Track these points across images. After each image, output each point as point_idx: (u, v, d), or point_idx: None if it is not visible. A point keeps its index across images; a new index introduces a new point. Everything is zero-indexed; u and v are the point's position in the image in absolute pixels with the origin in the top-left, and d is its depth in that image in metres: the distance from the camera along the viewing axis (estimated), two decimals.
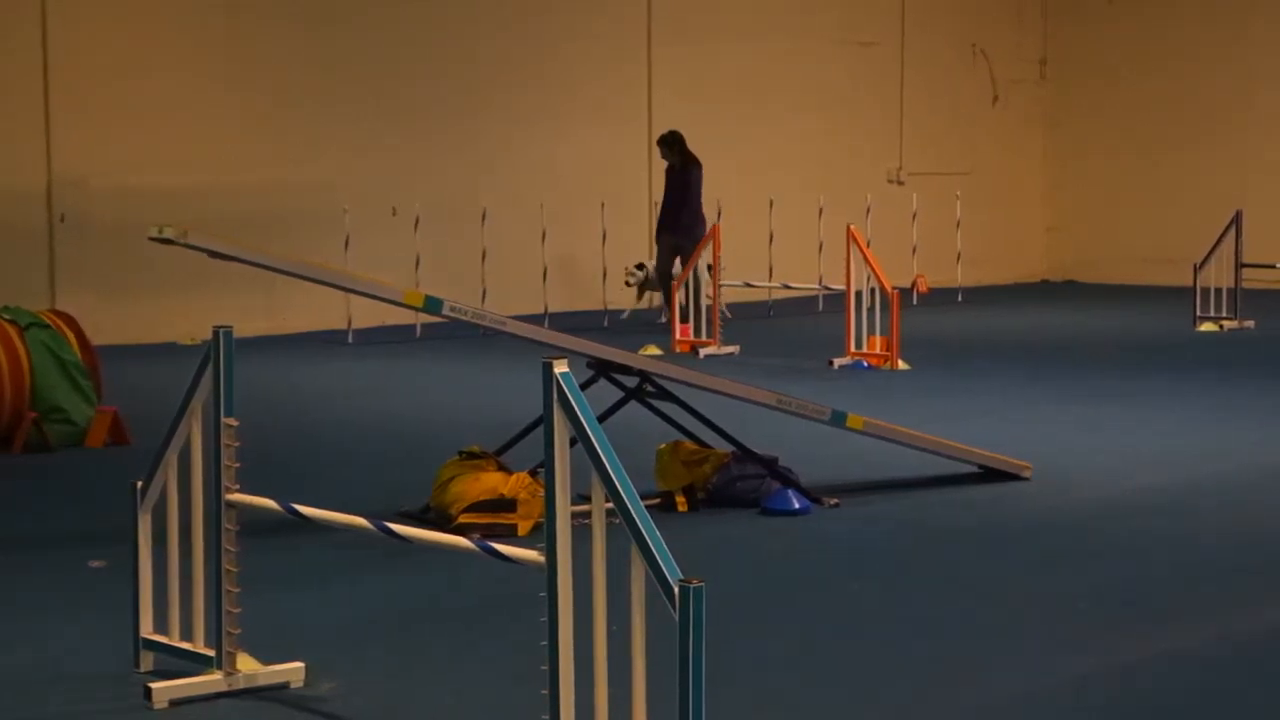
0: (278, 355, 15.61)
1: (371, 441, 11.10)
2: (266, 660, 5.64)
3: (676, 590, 4.02)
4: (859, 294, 14.96)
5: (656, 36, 21.33)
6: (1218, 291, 18.36)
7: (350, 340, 17.11)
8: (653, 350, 15.12)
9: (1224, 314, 18.28)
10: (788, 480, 8.64)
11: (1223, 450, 10.44)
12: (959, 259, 22.33)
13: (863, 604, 6.87)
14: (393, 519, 6.75)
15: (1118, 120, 25.18)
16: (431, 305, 8.01)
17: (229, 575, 5.50)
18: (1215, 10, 24.33)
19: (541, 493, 6.95)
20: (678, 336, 16.32)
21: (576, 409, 4.35)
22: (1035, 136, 25.88)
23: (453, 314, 8.11)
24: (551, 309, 18.43)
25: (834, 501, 8.66)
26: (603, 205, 19.32)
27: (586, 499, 4.41)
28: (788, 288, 19.27)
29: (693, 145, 21.01)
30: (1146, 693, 5.67)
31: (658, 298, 18.65)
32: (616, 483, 4.24)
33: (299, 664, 5.66)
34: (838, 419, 8.87)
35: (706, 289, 16.64)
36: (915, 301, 20.45)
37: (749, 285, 18.85)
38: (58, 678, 5.79)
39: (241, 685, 5.55)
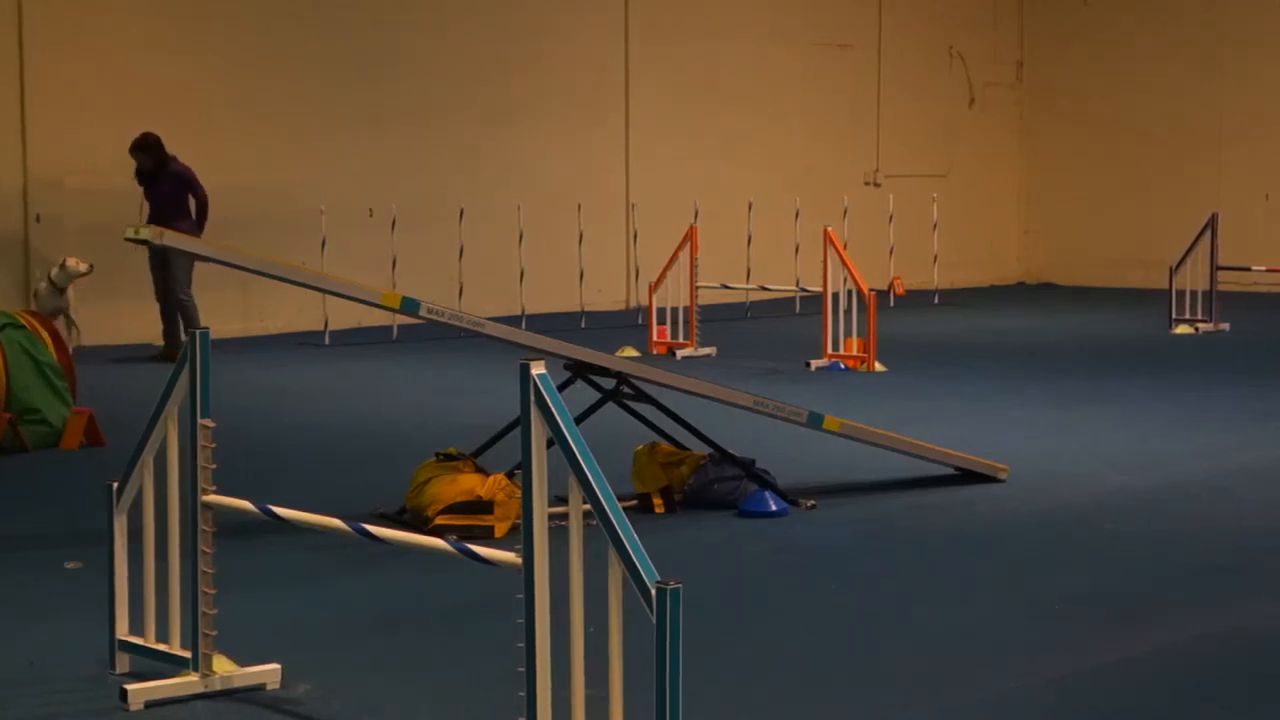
0: (254, 356, 15.58)
1: (348, 443, 11.08)
2: (243, 662, 5.63)
3: (654, 592, 4.02)
4: (836, 296, 14.99)
5: (634, 37, 21.35)
6: (1193, 294, 18.42)
7: (327, 341, 17.09)
8: (630, 352, 15.13)
9: (1199, 316, 18.33)
10: (765, 482, 8.64)
11: (1198, 452, 10.47)
12: (936, 261, 22.38)
13: (840, 606, 6.87)
14: (369, 520, 6.74)
15: (1094, 123, 25.26)
16: (409, 306, 8.00)
17: (205, 576, 5.49)
18: (1190, 14, 24.41)
19: (518, 494, 6.96)
20: (654, 339, 16.35)
21: (554, 410, 4.35)
22: (1012, 139, 25.94)
23: (430, 315, 8.10)
24: (528, 310, 18.43)
25: (811, 503, 8.67)
26: (579, 206, 19.33)
27: (564, 501, 4.41)
28: (765, 289, 19.30)
29: (670, 145, 21.11)
30: (1123, 693, 5.68)
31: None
32: (594, 484, 4.24)
33: (275, 666, 5.65)
34: (815, 421, 8.87)
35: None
36: (892, 303, 20.50)
37: (726, 287, 18.87)
38: (33, 679, 5.77)
39: (218, 687, 5.54)
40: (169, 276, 15.36)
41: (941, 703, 5.59)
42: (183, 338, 15.19)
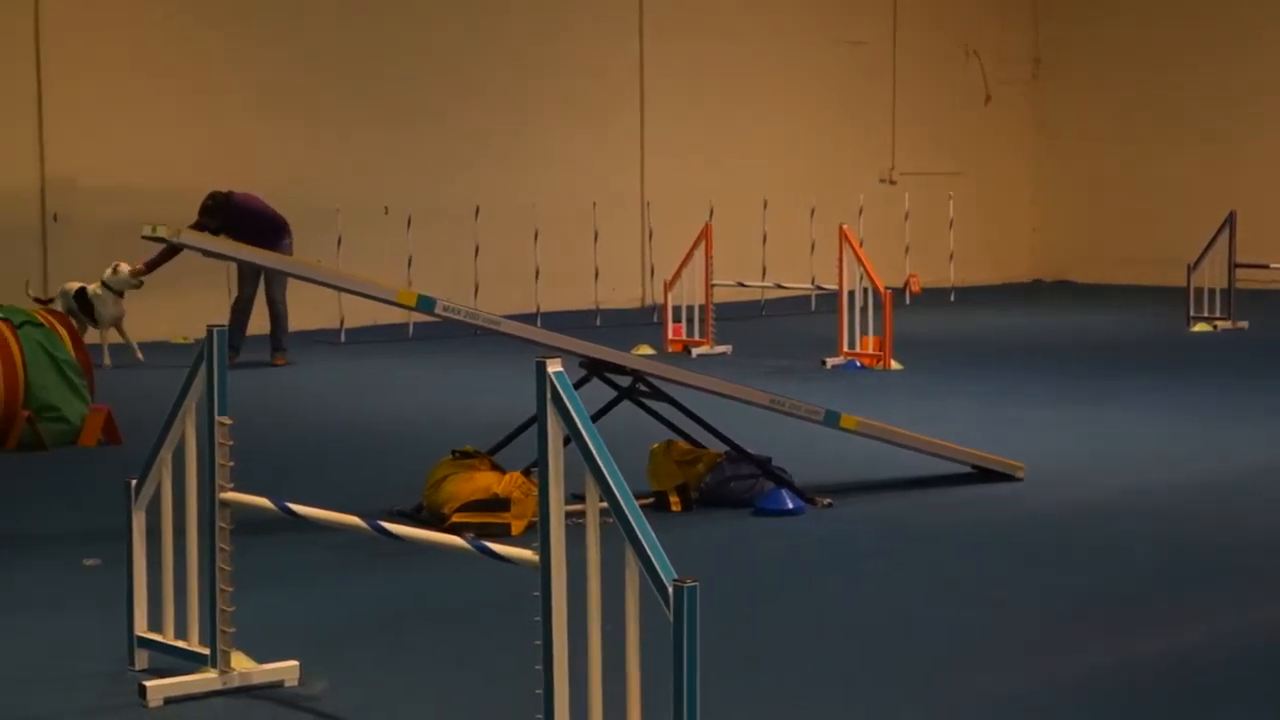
0: (267, 354, 15.57)
1: (364, 441, 11.10)
2: (261, 659, 5.65)
3: (670, 590, 4.03)
4: (852, 294, 14.98)
5: (648, 35, 21.35)
6: (1211, 292, 18.38)
7: (343, 339, 17.11)
8: (645, 350, 15.14)
9: (1218, 314, 18.30)
10: (781, 480, 8.65)
11: (1215, 450, 10.45)
12: (951, 259, 22.35)
13: (855, 604, 6.87)
14: (386, 518, 6.75)
15: (1110, 120, 25.21)
16: (424, 304, 8.02)
17: (223, 574, 5.50)
18: (1205, 10, 24.35)
19: (535, 492, 6.97)
20: (670, 336, 16.35)
21: (570, 408, 4.36)
22: (1027, 136, 25.90)
23: (446, 313, 8.12)
24: (544, 308, 18.44)
25: (827, 502, 8.67)
26: (594, 204, 19.34)
27: (580, 498, 4.42)
28: (780, 287, 19.29)
29: (685, 143, 21.13)
30: (1136, 692, 5.67)
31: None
32: (610, 482, 4.24)
33: (293, 662, 5.67)
34: (831, 419, 8.87)
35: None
36: (908, 301, 20.47)
37: (742, 285, 18.87)
38: (52, 676, 5.79)
39: (236, 684, 5.55)
40: (271, 284, 15.15)
41: (953, 699, 5.59)
42: (283, 339, 15.29)
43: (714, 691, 4.33)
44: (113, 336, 15.08)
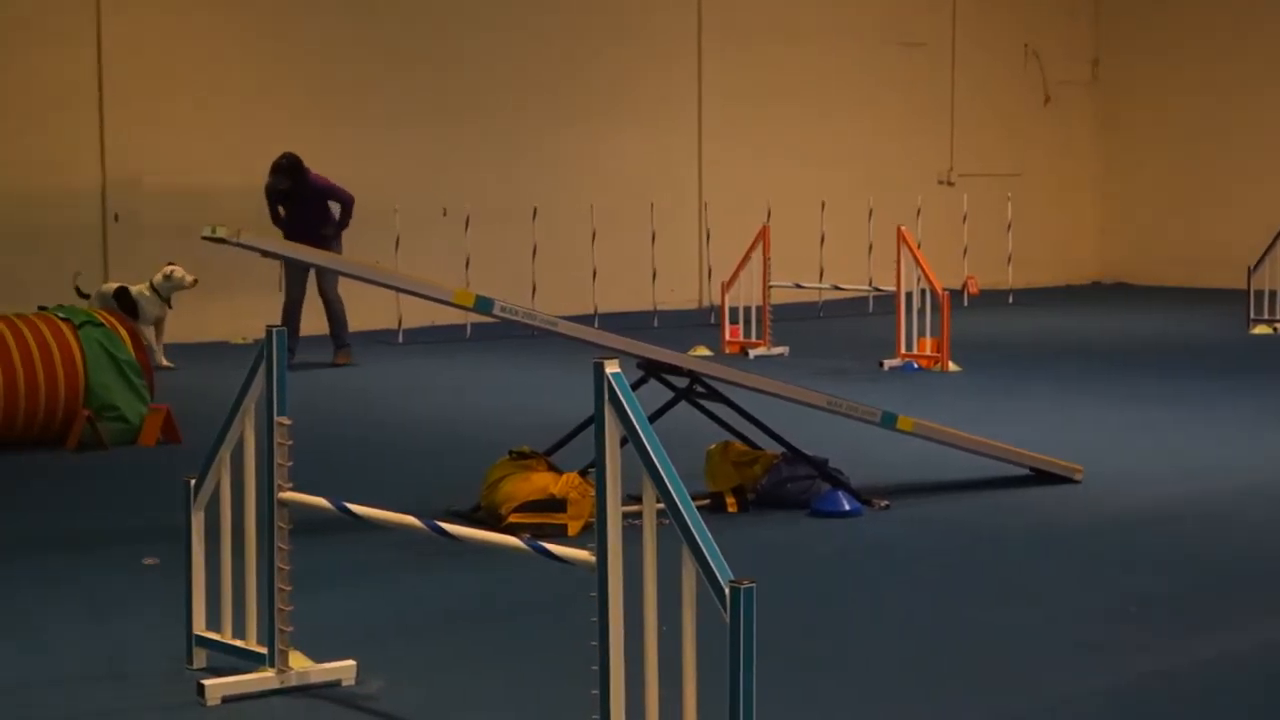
0: (328, 354, 15.63)
1: (421, 441, 11.13)
2: (318, 658, 5.67)
3: (727, 591, 4.02)
4: (909, 295, 14.93)
5: (707, 37, 21.33)
6: (1271, 294, 18.24)
7: (400, 340, 17.16)
8: (702, 351, 15.13)
9: (1278, 317, 18.15)
10: (838, 482, 8.63)
11: (1275, 454, 10.36)
12: (1010, 260, 22.24)
13: (912, 606, 6.85)
14: (443, 518, 6.77)
15: (1170, 122, 25.03)
16: (482, 305, 8.04)
17: (281, 573, 5.53)
18: (1267, 10, 24.15)
19: (591, 493, 6.97)
20: (727, 338, 16.34)
21: (628, 409, 4.36)
22: (1087, 137, 25.75)
23: (503, 314, 8.14)
24: (601, 309, 18.45)
25: (884, 503, 8.65)
26: (652, 206, 19.34)
27: (637, 499, 4.42)
28: (838, 289, 19.24)
29: (743, 144, 21.05)
30: (1196, 699, 5.64)
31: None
32: (667, 483, 4.24)
33: (350, 662, 5.69)
34: (888, 421, 8.85)
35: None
36: (966, 303, 20.36)
37: (799, 286, 18.82)
38: (111, 674, 5.83)
39: (294, 683, 5.58)
40: (322, 278, 15.11)
41: (1012, 703, 5.56)
42: (345, 336, 15.35)
43: (764, 693, 4.32)
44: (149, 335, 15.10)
